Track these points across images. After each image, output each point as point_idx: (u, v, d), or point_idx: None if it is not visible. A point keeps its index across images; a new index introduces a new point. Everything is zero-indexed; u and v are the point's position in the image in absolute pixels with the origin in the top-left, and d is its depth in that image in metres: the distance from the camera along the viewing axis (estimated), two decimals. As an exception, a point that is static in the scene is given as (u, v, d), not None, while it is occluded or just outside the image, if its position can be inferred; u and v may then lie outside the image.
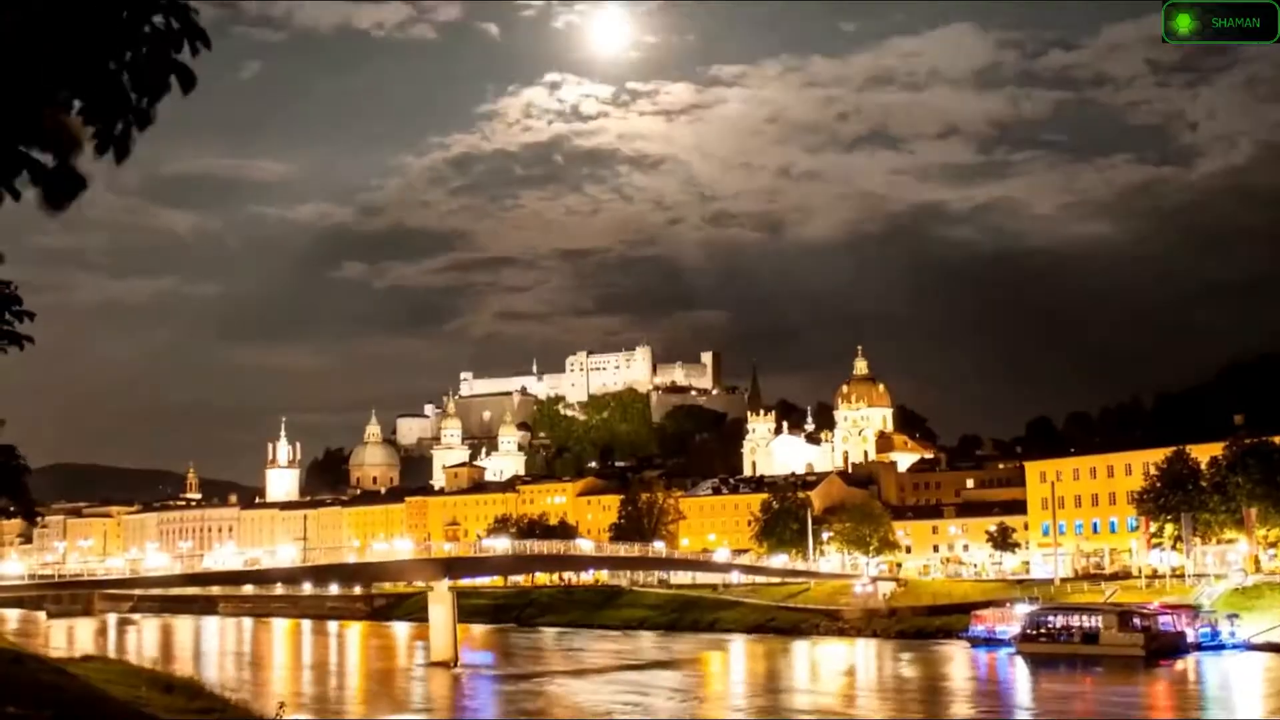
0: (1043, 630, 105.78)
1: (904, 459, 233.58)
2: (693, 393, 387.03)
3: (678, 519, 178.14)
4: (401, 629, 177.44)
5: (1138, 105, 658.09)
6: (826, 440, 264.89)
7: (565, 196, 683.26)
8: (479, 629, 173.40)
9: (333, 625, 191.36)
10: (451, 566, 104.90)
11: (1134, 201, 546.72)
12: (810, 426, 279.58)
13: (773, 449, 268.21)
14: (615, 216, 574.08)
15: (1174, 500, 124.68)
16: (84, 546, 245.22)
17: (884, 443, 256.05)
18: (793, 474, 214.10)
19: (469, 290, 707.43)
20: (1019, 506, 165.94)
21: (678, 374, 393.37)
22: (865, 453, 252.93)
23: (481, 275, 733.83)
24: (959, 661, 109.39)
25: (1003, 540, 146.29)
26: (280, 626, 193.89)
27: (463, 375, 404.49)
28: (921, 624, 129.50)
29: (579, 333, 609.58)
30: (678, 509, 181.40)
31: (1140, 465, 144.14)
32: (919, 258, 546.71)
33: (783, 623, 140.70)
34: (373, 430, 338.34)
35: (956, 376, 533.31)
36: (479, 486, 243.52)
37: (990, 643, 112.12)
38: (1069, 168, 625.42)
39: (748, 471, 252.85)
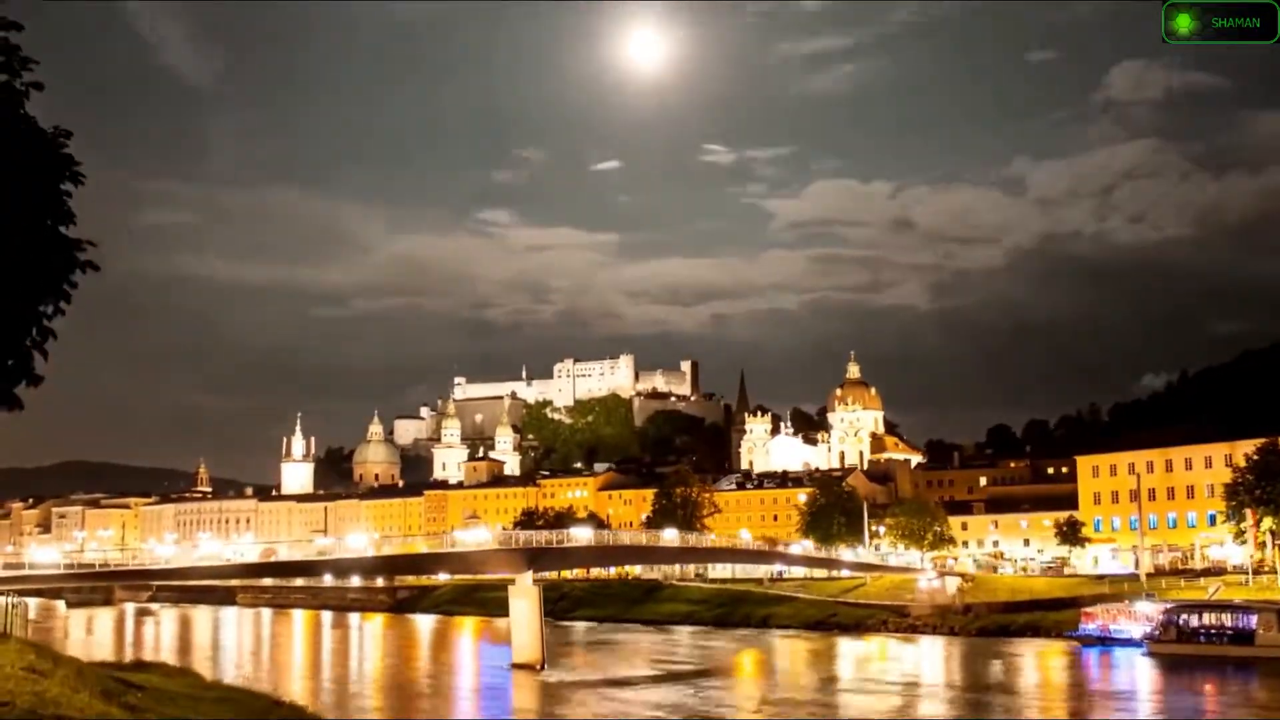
0: (1182, 630, 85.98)
1: (898, 458, 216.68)
2: (672, 398, 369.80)
3: (713, 512, 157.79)
4: (425, 622, 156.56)
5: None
6: (823, 441, 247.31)
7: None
8: (503, 622, 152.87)
9: (354, 617, 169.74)
10: (536, 558, 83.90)
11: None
12: (789, 428, 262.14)
13: (770, 448, 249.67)
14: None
15: (1272, 492, 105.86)
16: (103, 536, 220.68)
17: (877, 444, 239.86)
18: (817, 469, 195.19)
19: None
20: (1051, 502, 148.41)
21: (658, 381, 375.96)
22: (860, 453, 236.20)
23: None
24: (1077, 663, 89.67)
25: (1072, 535, 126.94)
26: (300, 618, 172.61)
27: (456, 380, 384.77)
28: (1003, 621, 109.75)
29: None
30: (713, 502, 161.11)
31: (1202, 459, 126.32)
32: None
33: (845, 619, 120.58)
34: (375, 430, 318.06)
35: (913, 390, 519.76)
36: (498, 480, 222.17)
37: (1105, 642, 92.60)
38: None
39: (744, 469, 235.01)
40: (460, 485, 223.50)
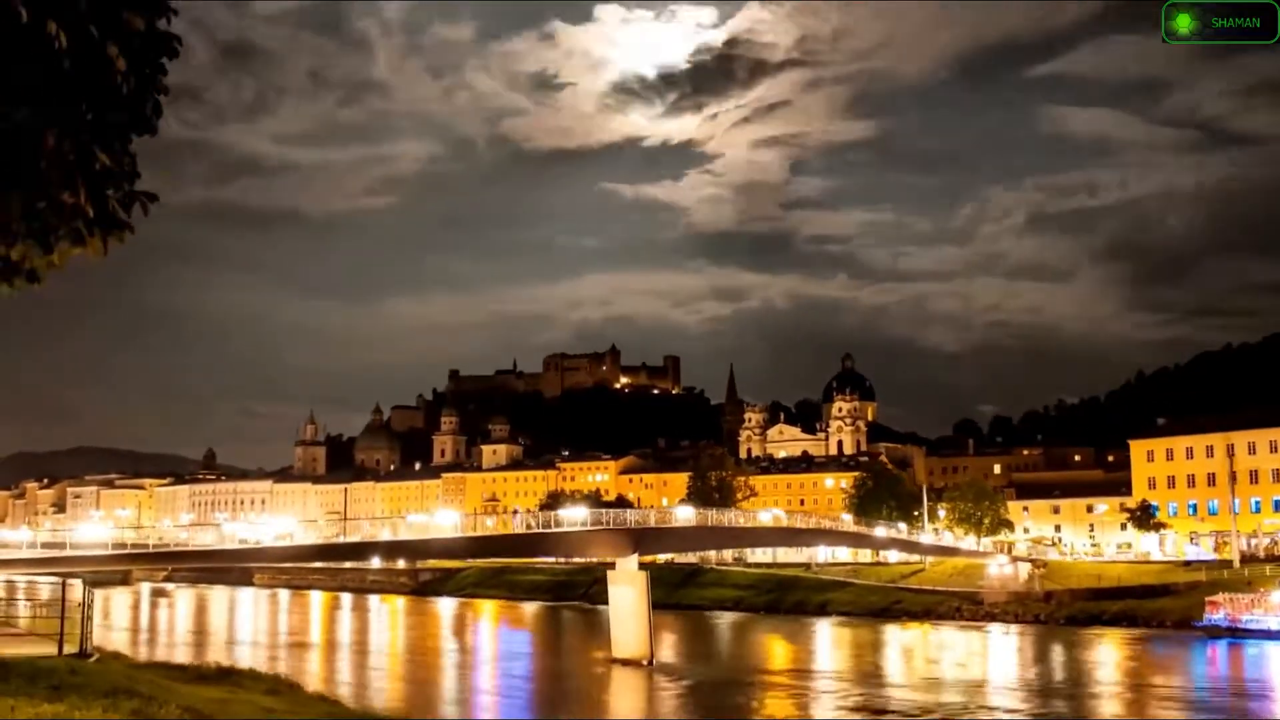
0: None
1: (914, 446, 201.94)
2: (655, 392, 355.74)
3: (748, 495, 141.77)
4: (446, 605, 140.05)
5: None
6: (821, 430, 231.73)
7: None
8: (531, 606, 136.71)
9: (374, 600, 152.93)
10: (641, 539, 67.69)
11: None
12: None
13: (769, 437, 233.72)
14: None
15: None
16: (121, 516, 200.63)
17: (874, 433, 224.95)
18: (848, 455, 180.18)
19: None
20: (1084, 488, 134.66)
21: (642, 375, 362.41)
22: (858, 442, 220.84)
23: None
24: (1212, 657, 74.80)
25: (1144, 520, 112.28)
26: (318, 599, 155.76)
27: (450, 370, 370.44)
28: (1093, 609, 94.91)
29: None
30: (748, 485, 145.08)
31: (1266, 443, 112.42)
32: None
33: (911, 606, 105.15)
34: (376, 418, 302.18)
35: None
36: (516, 464, 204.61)
37: (1235, 634, 77.90)
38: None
39: (742, 457, 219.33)
40: (476, 468, 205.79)
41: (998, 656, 79.45)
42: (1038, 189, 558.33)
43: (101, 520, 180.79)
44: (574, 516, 65.86)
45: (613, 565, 68.62)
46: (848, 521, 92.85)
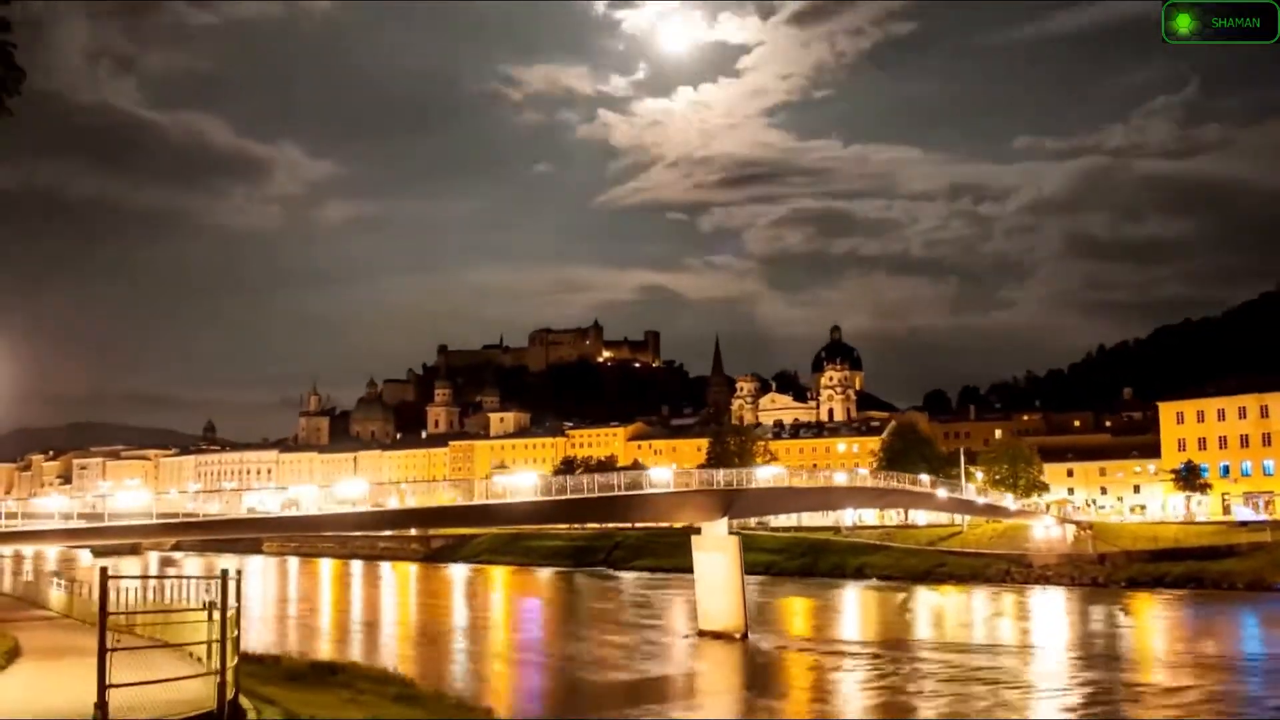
0: None
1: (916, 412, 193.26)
2: (637, 365, 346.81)
3: (769, 459, 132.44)
4: (459, 572, 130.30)
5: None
6: (812, 399, 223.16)
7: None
8: (547, 572, 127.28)
9: (385, 567, 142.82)
10: (732, 501, 57.84)
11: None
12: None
13: (760, 406, 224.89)
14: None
15: None
16: (131, 485, 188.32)
17: (862, 401, 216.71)
18: (858, 420, 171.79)
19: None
20: (1097, 451, 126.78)
21: (624, 349, 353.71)
22: (848, 410, 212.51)
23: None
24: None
25: (1191, 482, 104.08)
26: (328, 567, 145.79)
27: (439, 345, 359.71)
28: (1155, 571, 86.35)
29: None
30: (768, 450, 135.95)
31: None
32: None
33: (957, 569, 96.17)
34: (371, 391, 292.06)
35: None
36: (524, 431, 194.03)
37: (1331, 598, 69.83)
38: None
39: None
40: (479, 436, 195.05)
41: (1094, 622, 70.23)
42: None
43: (110, 491, 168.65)
44: (661, 477, 55.76)
45: (698, 530, 58.81)
46: (925, 482, 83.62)
